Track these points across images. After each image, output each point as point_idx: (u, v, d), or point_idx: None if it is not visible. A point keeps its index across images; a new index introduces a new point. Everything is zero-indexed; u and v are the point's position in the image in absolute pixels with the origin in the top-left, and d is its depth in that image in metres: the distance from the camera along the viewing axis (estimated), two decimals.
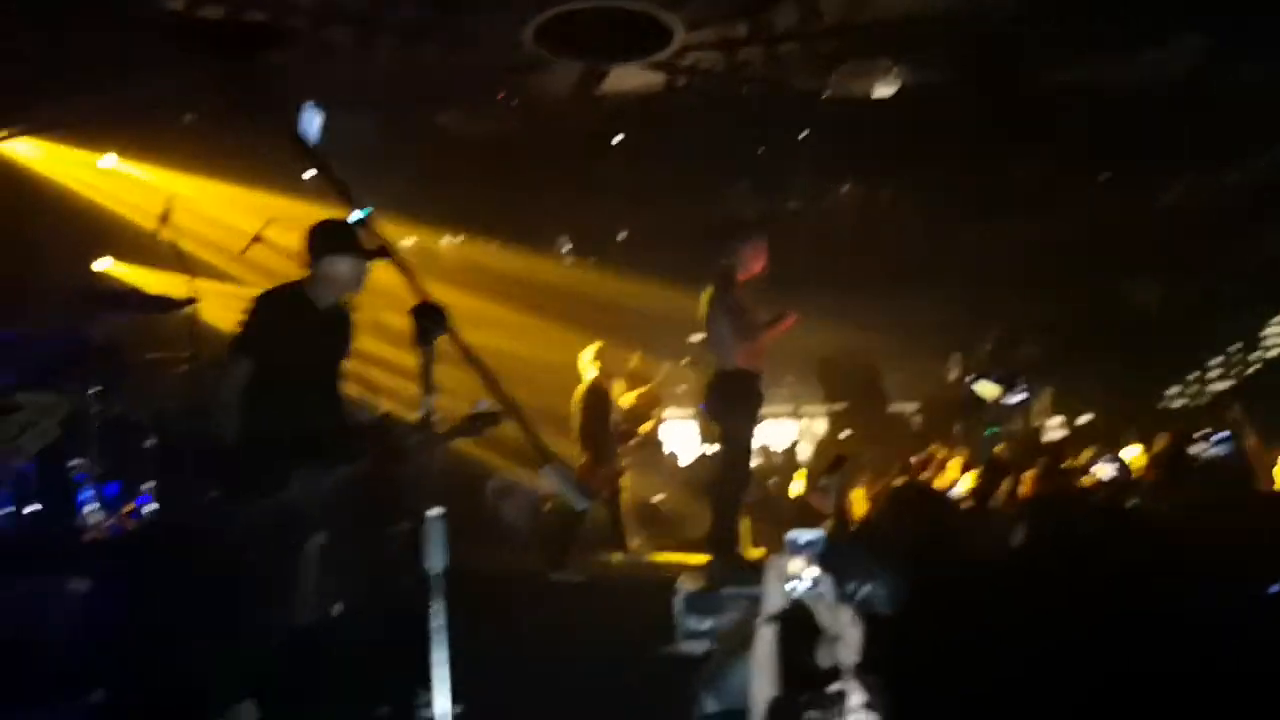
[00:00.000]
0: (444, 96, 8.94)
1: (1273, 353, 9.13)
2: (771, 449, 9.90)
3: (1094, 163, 10.52)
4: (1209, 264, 10.56)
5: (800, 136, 9.94)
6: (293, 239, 7.07)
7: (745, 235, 6.26)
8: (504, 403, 2.89)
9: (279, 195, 8.24)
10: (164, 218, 6.69)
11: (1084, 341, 10.23)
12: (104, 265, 8.88)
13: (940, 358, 10.90)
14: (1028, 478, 5.11)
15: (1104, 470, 4.99)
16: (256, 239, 6.98)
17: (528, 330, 9.74)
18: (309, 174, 8.99)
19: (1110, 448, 6.06)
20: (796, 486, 8.10)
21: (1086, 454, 5.63)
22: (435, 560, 2.62)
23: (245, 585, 3.66)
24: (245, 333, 3.78)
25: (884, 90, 8.88)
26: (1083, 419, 8.82)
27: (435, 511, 2.64)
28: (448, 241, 10.59)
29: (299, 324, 3.79)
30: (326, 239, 3.88)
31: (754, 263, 6.09)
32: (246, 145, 7.97)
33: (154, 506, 6.02)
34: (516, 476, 8.42)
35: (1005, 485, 4.90)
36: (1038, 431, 7.42)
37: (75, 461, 6.12)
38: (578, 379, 7.72)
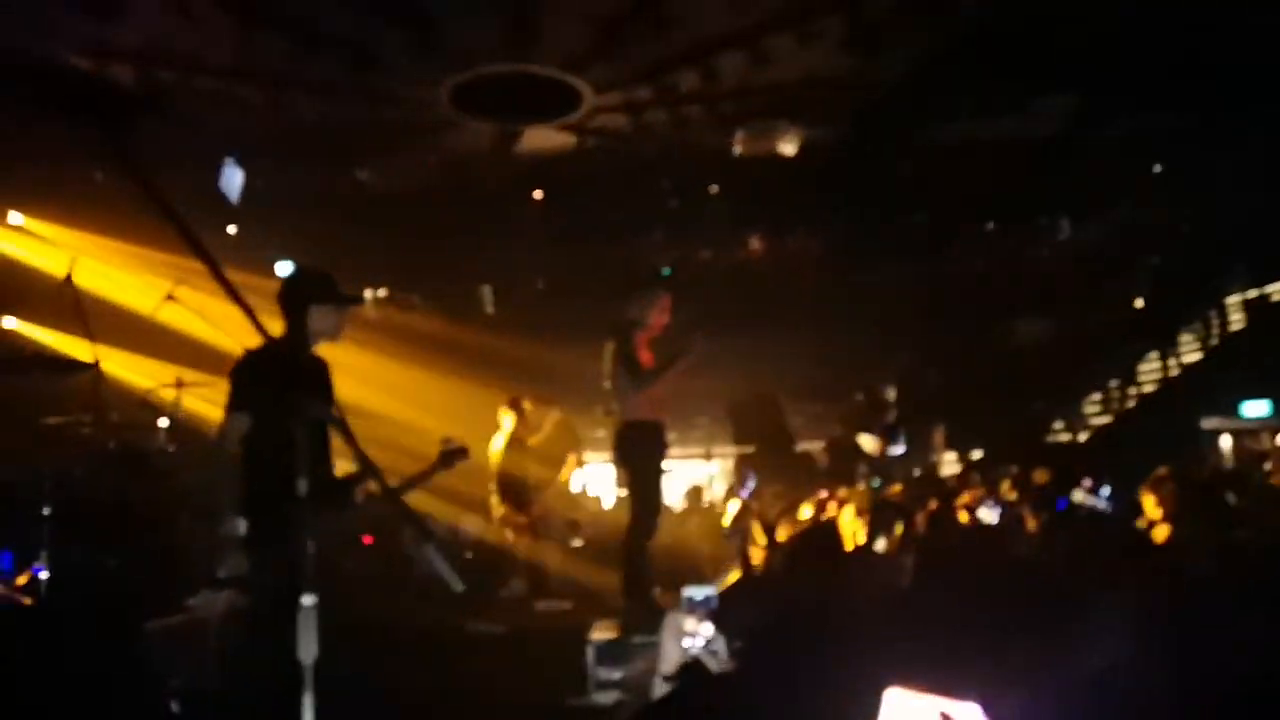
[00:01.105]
0: (362, 153, 9.08)
1: (1147, 388, 9.80)
2: (695, 491, 10.13)
3: (982, 211, 11.21)
4: (1089, 305, 11.29)
5: (710, 190, 10.36)
6: (202, 299, 7.10)
7: (648, 290, 6.47)
8: (376, 476, 2.91)
9: (187, 255, 8.17)
10: (68, 278, 6.60)
11: (976, 379, 10.79)
12: (9, 324, 8.69)
13: (847, 396, 11.36)
14: (919, 519, 5.42)
15: (988, 515, 5.32)
16: (169, 298, 6.93)
17: (438, 386, 9.79)
18: (231, 229, 9.06)
19: (997, 486, 6.46)
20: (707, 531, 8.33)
21: (973, 494, 5.98)
22: (307, 650, 2.50)
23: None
24: (236, 392, 3.71)
25: (786, 147, 9.34)
26: (974, 454, 9.28)
27: (309, 600, 2.53)
28: (369, 295, 10.64)
29: (286, 377, 3.69)
30: (310, 289, 3.87)
31: (657, 317, 6.29)
32: (153, 203, 7.94)
33: (47, 575, 5.84)
34: (436, 525, 8.45)
35: (897, 528, 5.19)
36: (931, 471, 7.80)
37: None
38: (494, 430, 7.85)
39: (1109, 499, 4.64)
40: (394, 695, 4.76)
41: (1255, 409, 10.22)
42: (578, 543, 9.12)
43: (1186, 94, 9.28)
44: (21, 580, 5.83)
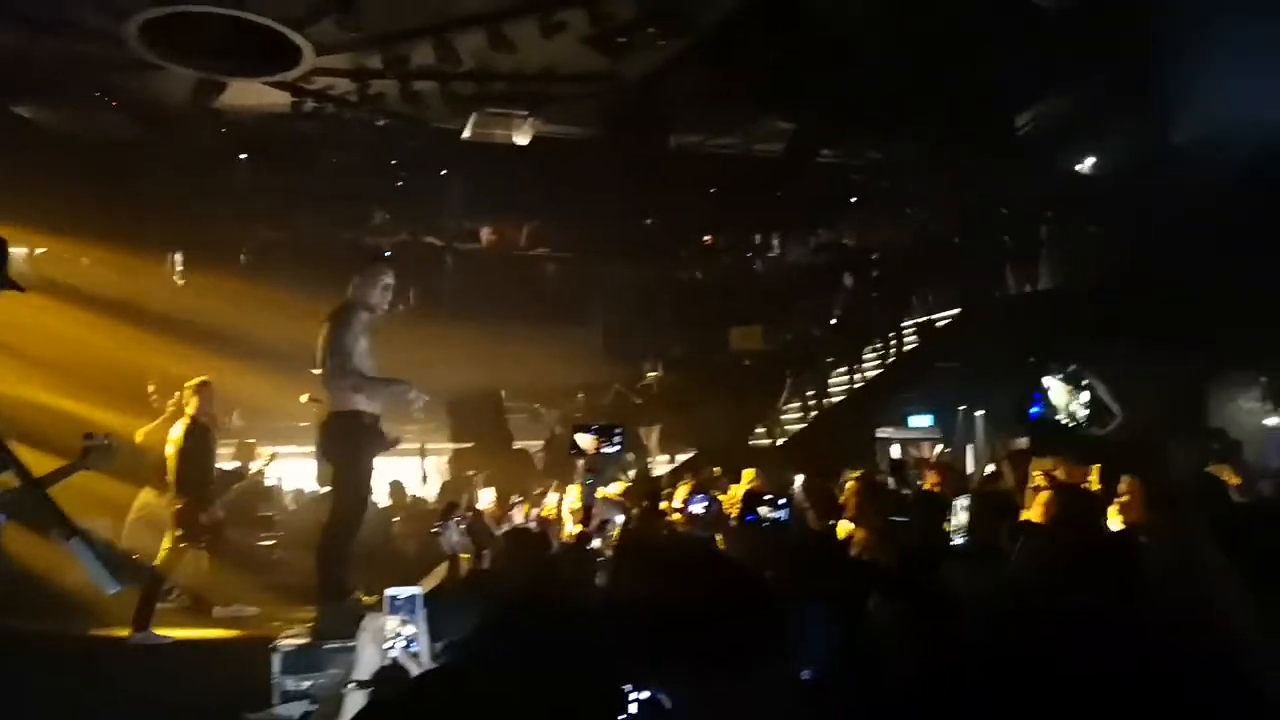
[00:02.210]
0: (30, 87, 7.75)
1: (836, 399, 10.77)
2: (397, 488, 9.67)
3: (714, 217, 11.80)
4: (798, 317, 12.22)
5: (441, 173, 9.99)
6: None
7: (370, 268, 6.05)
8: (19, 468, 2.48)
9: None
10: None
11: (692, 382, 11.29)
12: None
13: (570, 394, 11.43)
14: (632, 516, 5.46)
15: (696, 508, 5.49)
16: None
17: (107, 365, 8.59)
18: None
19: (706, 482, 6.71)
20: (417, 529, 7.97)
21: (684, 490, 6.17)
22: None
23: None
24: None
25: (521, 137, 9.21)
26: (685, 455, 9.67)
27: None
28: (25, 253, 9.08)
29: None
30: None
31: (380, 298, 5.89)
32: None
33: None
34: (87, 524, 7.34)
35: (614, 525, 5.20)
36: (644, 470, 8.01)
37: None
38: (177, 414, 6.97)
39: (785, 508, 4.92)
40: (42, 715, 4.07)
41: (920, 421, 11.58)
42: (269, 541, 8.39)
43: (892, 131, 10.34)
44: None
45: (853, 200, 12.34)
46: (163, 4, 6.52)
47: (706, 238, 12.51)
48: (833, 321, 11.66)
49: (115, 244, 9.39)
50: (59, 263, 9.23)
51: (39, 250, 9.08)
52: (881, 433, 11.33)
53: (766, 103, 9.89)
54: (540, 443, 10.50)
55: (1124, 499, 4.74)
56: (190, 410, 6.97)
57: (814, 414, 10.61)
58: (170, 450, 6.78)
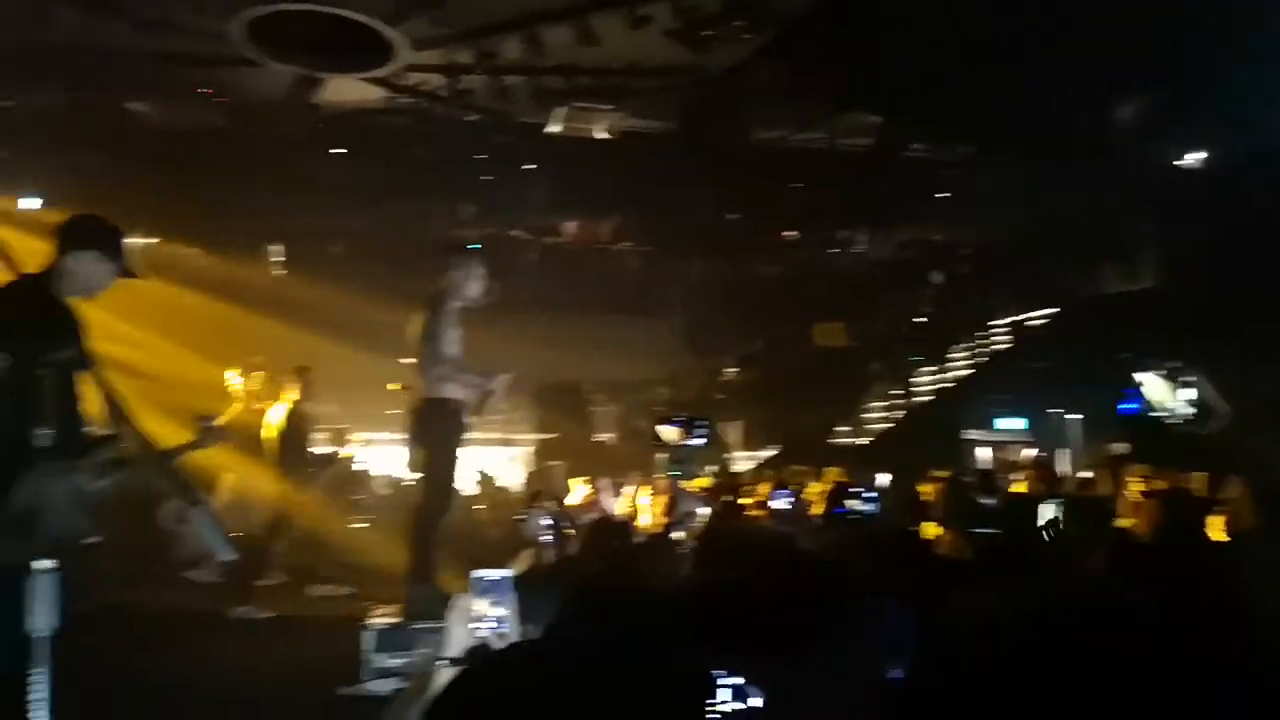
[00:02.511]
0: (138, 83, 8.13)
1: (922, 399, 10.55)
2: (483, 476, 9.86)
3: (796, 212, 11.67)
4: (882, 315, 12.03)
5: (527, 167, 10.13)
6: None
7: (463, 260, 6.19)
8: (142, 440, 2.61)
9: None
10: None
11: (773, 379, 11.22)
12: None
13: (651, 387, 11.48)
14: (715, 509, 5.47)
15: (779, 503, 5.46)
16: None
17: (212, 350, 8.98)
18: None
19: (787, 482, 6.67)
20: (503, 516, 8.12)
21: (766, 487, 6.14)
22: (41, 621, 2.24)
23: None
24: None
25: (606, 132, 9.27)
26: (767, 452, 9.62)
27: (45, 564, 2.27)
28: (138, 243, 9.56)
29: (36, 321, 3.20)
30: (87, 237, 3.42)
31: (471, 289, 6.03)
32: None
33: None
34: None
35: (692, 518, 5.22)
36: (727, 465, 7.99)
37: None
38: (271, 398, 7.24)
39: (875, 502, 4.86)
40: (145, 684, 4.28)
41: (1009, 423, 11.28)
42: (360, 524, 8.64)
43: (979, 128, 10.07)
44: None
45: (940, 196, 12.05)
46: (265, 3, 6.76)
47: (789, 233, 12.37)
48: (919, 320, 11.44)
49: (216, 234, 9.82)
50: (165, 252, 9.69)
51: (149, 240, 9.55)
52: (969, 434, 11.09)
53: (851, 96, 9.74)
54: (621, 434, 10.58)
55: (1230, 504, 4.55)
56: (290, 395, 7.24)
57: (899, 414, 10.43)
58: (270, 433, 7.05)
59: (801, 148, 10.83)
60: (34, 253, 3.49)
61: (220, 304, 9.26)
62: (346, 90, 8.22)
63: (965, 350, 10.82)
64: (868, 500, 4.51)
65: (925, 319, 11.39)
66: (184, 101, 8.38)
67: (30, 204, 7.33)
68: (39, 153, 7.65)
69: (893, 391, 10.58)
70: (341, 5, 6.85)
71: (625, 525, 5.16)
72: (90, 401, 3.12)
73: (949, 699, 2.83)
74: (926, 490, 5.09)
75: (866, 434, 10.44)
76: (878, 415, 10.73)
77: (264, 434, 7.09)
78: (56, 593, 2.23)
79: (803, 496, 5.96)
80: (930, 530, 4.85)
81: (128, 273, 3.64)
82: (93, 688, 2.96)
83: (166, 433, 3.65)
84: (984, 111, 9.29)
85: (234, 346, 8.93)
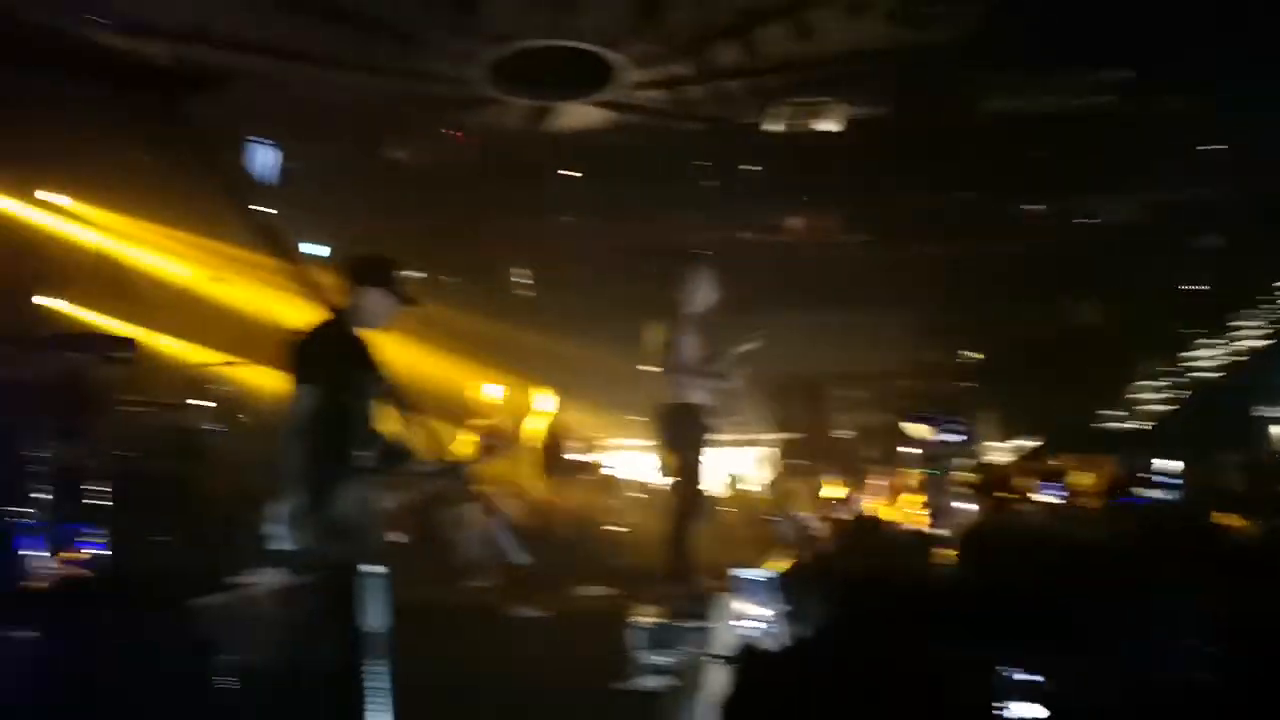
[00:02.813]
0: (394, 130, 8.98)
1: (1202, 376, 9.50)
2: (729, 477, 9.99)
3: (1035, 184, 10.90)
4: (1140, 285, 10.96)
5: (747, 168, 10.16)
6: (238, 280, 7.08)
7: (693, 268, 6.38)
8: (450, 460, 2.90)
9: (216, 234, 8.24)
10: (101, 256, 6.64)
11: (1023, 363, 10.55)
12: (43, 301, 8.73)
13: (890, 379, 11.13)
14: (975, 506, 5.26)
15: (1046, 497, 5.15)
16: (217, 279, 6.96)
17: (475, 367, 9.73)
18: (256, 208, 8.98)
19: (1054, 472, 6.25)
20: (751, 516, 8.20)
21: (1031, 480, 5.80)
22: (375, 618, 2.50)
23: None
24: (304, 366, 3.71)
25: (827, 123, 9.12)
26: (1029, 442, 9.06)
27: (377, 569, 2.55)
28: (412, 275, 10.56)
29: (345, 353, 3.70)
30: (371, 274, 3.95)
31: (703, 295, 6.21)
32: (187, 182, 7.92)
33: (104, 553, 5.91)
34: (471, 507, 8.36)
35: (954, 514, 5.04)
36: (981, 458, 7.60)
37: (21, 507, 6.01)
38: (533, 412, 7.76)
39: (1172, 488, 4.46)
40: (438, 675, 4.70)
41: None
42: (616, 527, 9.03)
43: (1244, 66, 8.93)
44: (79, 555, 5.91)
45: (1202, 149, 10.74)
46: (506, 44, 7.26)
47: (1029, 206, 11.54)
48: (1190, 289, 10.31)
49: (464, 261, 10.65)
50: (430, 280, 10.63)
51: (418, 273, 10.53)
52: (1261, 411, 9.87)
53: (1094, 56, 8.97)
54: (866, 430, 10.35)
55: None
56: (546, 406, 7.75)
57: (1175, 393, 9.47)
58: (531, 442, 7.58)
59: (1040, 114, 10.11)
60: (336, 293, 3.98)
61: (478, 323, 10.06)
62: (575, 115, 8.64)
63: (1251, 320, 9.62)
64: (1159, 486, 4.15)
65: (1199, 288, 10.24)
66: (433, 142, 9.14)
67: (318, 250, 8.32)
68: (322, 202, 8.63)
69: (1165, 370, 9.61)
70: (573, 37, 7.23)
71: (883, 523, 5.07)
72: (388, 421, 3.50)
73: (1248, 701, 2.58)
74: (1223, 476, 4.62)
75: (1139, 417, 9.54)
76: (1151, 396, 9.78)
77: (526, 443, 7.63)
78: (385, 593, 2.53)
79: (1071, 486, 5.61)
80: (1229, 519, 4.42)
81: (408, 301, 4.08)
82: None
83: (450, 447, 4.00)
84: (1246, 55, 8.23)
85: (494, 362, 9.69)
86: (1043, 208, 11.39)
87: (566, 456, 7.90)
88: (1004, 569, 3.78)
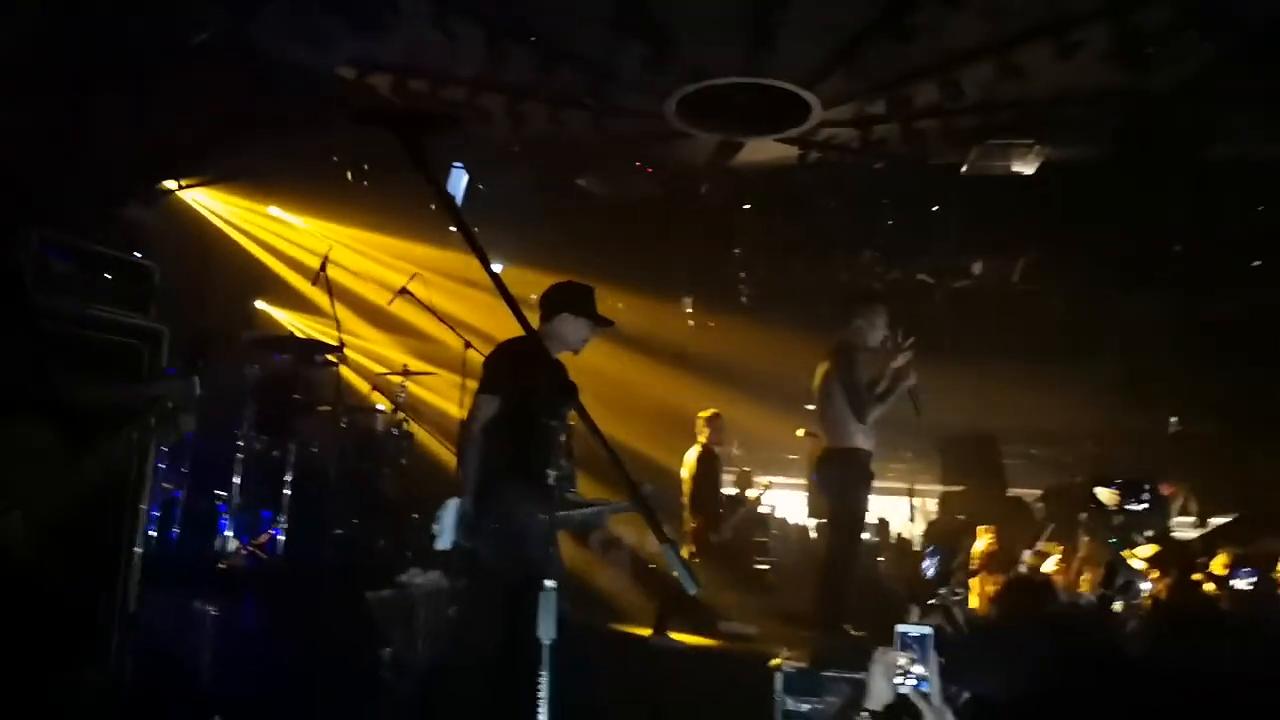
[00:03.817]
0: (588, 161, 9.28)
1: None
2: (884, 526, 9.67)
3: (1253, 240, 9.98)
4: None
5: (933, 209, 9.86)
6: (434, 293, 7.53)
7: (866, 308, 6.25)
8: (627, 484, 2.96)
9: (425, 249, 8.79)
10: (322, 267, 7.18)
11: (1236, 432, 9.63)
12: (262, 306, 9.60)
13: (1075, 441, 10.42)
14: (1159, 584, 4.85)
15: (1242, 582, 4.68)
16: (403, 291, 7.40)
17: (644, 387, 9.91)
18: (452, 229, 9.53)
19: (1253, 554, 5.67)
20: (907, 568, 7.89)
21: (1224, 559, 5.29)
22: (547, 630, 2.66)
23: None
24: (490, 376, 3.96)
25: (1025, 167, 8.72)
26: (1223, 519, 8.25)
27: (550, 583, 2.70)
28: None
29: (532, 369, 3.78)
30: (569, 299, 4.15)
31: (876, 337, 6.07)
32: (399, 202, 8.50)
33: (286, 540, 6.35)
34: (621, 533, 8.49)
35: (1134, 589, 4.67)
36: (1167, 532, 6.96)
37: (219, 492, 6.59)
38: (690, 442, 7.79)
39: None
40: (584, 695, 4.79)
41: None
42: (765, 565, 8.93)
43: None
44: (262, 539, 6.42)
45: None
46: (700, 81, 7.38)
47: (1255, 262, 10.53)
48: None
49: (643, 290, 10.85)
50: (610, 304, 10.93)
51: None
52: None
53: None
54: (1039, 491, 9.76)
55: None
56: (702, 438, 7.76)
57: None
58: (686, 474, 7.61)
59: (1268, 163, 9.27)
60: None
61: (641, 354, 10.24)
62: (761, 151, 8.67)
63: None
64: None
65: None
66: (624, 175, 9.40)
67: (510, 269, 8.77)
68: (512, 227, 9.06)
69: None
70: (763, 74, 7.27)
71: (1048, 587, 4.76)
72: (571, 446, 3.62)
73: None
74: None
75: None
76: None
77: (681, 475, 7.66)
78: (557, 606, 2.67)
79: (1272, 575, 5.07)
80: None
81: (603, 323, 4.20)
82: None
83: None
84: None
85: (658, 392, 9.83)
86: (1264, 263, 10.41)
87: (720, 491, 7.88)
88: (1191, 653, 3.51)
